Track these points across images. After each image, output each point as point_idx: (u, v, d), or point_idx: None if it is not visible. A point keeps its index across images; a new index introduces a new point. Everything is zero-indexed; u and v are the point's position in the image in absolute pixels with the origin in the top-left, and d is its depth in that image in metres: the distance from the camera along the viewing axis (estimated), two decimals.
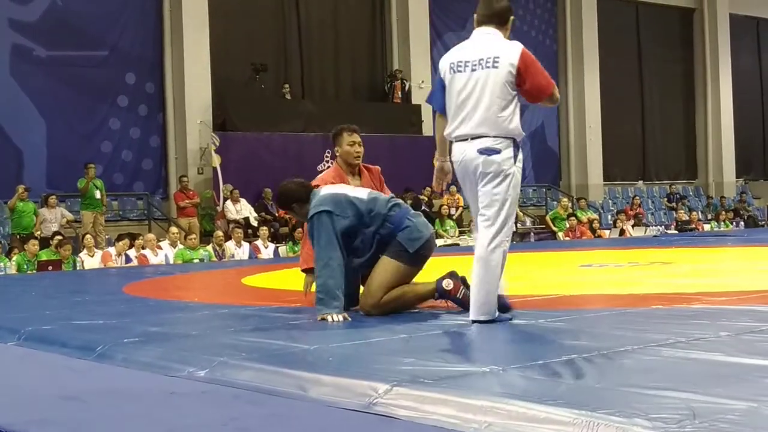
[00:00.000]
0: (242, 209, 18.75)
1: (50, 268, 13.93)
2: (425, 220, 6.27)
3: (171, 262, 15.26)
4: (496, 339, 4.83)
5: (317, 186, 6.35)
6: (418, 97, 23.00)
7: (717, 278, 7.72)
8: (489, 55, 5.19)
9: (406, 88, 22.80)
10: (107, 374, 4.48)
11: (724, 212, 25.62)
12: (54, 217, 16.95)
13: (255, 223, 18.49)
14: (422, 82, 23.20)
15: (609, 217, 24.65)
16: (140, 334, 5.40)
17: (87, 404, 3.79)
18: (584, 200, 23.37)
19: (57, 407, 3.73)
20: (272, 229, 18.06)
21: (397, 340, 4.94)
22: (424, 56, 23.59)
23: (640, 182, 28.21)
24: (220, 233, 16.60)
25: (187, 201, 18.52)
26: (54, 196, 17.23)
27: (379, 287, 5.91)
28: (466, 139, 5.20)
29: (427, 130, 22.34)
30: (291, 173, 21.46)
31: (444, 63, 5.44)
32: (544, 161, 26.55)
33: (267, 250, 16.73)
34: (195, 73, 19.89)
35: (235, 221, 18.17)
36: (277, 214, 19.23)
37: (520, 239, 20.32)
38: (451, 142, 5.34)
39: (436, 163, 5.49)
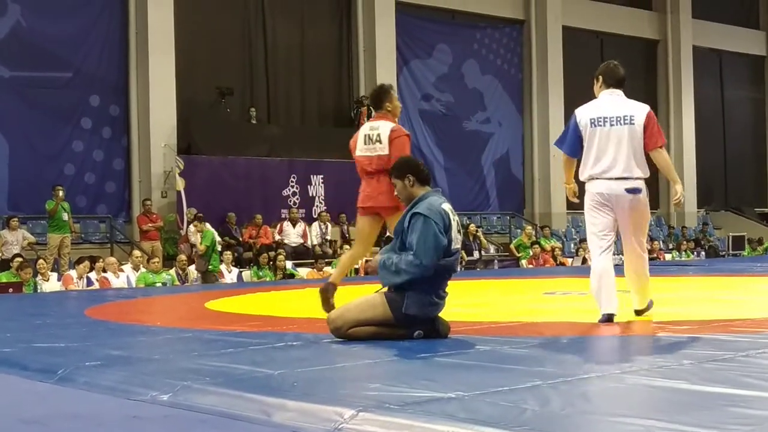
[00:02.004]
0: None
1: (11, 290, 13.77)
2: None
3: (133, 285, 15.14)
4: (461, 365, 4.83)
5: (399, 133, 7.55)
6: None
7: (679, 307, 7.78)
8: (625, 113, 6.57)
9: (373, 114, 22.80)
10: (69, 398, 4.42)
11: (685, 242, 25.86)
12: (15, 240, 16.77)
13: (219, 248, 18.39)
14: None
15: (572, 245, 24.77)
16: (102, 357, 5.35)
17: (48, 428, 3.75)
18: (548, 228, 23.49)
19: (17, 431, 3.68)
20: (236, 254, 17.97)
21: (362, 365, 4.93)
22: (390, 82, 23.50)
23: None
24: (183, 257, 16.50)
25: (151, 224, 18.40)
26: (16, 218, 17.06)
27: (356, 321, 5.86)
28: (611, 179, 6.56)
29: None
30: (255, 197, 21.65)
31: (583, 117, 6.68)
32: (509, 189, 26.68)
33: (230, 275, 16.65)
34: (160, 96, 19.82)
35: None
36: (241, 239, 19.16)
37: (484, 266, 20.37)
38: (590, 178, 6.67)
39: (569, 186, 7.03)
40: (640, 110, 6.60)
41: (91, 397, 4.39)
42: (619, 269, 6.78)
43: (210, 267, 16.57)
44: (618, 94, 6.70)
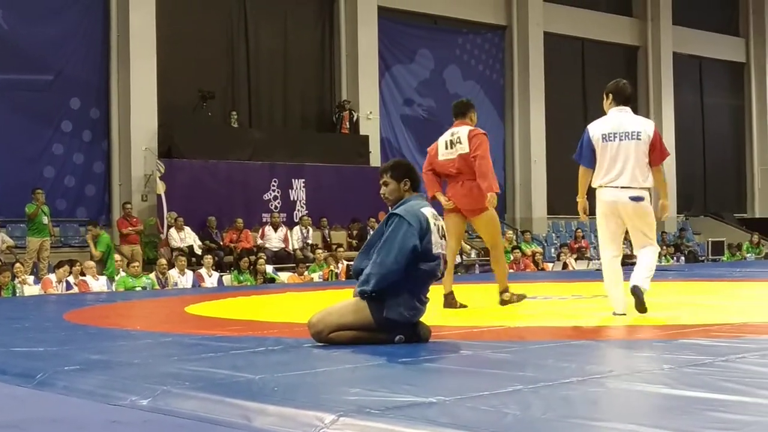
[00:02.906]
0: (186, 237, 18.60)
1: None
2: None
3: (113, 289, 15.07)
4: (443, 370, 4.83)
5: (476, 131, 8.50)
6: (367, 127, 23.09)
7: (658, 312, 7.80)
8: (633, 129, 7.26)
9: (355, 118, 22.86)
10: (48, 402, 4.40)
11: (665, 247, 25.96)
12: None
13: (199, 252, 18.34)
14: (370, 113, 23.29)
15: (552, 250, 24.84)
16: (81, 361, 5.32)
17: None
18: (529, 233, 23.54)
19: None
20: (216, 258, 17.92)
21: (343, 370, 4.92)
22: (372, 87, 23.69)
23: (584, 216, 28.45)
24: (163, 261, 16.44)
25: (131, 228, 18.33)
26: None
27: (336, 325, 5.85)
28: (618, 187, 7.25)
29: (374, 161, 22.42)
30: (236, 201, 21.59)
31: (595, 132, 7.40)
32: None
33: (211, 279, 16.59)
34: (141, 99, 19.76)
35: (179, 249, 18.01)
36: (221, 243, 19.11)
37: (465, 271, 20.39)
38: (600, 186, 7.36)
39: (582, 201, 7.73)
40: (647, 127, 7.35)
41: (70, 401, 4.36)
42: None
43: (106, 272, 16.27)
44: (626, 110, 7.41)
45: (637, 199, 7.27)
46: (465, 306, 8.71)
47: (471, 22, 26.41)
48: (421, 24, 25.64)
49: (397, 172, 6.11)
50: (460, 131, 8.73)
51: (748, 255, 25.99)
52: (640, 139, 7.25)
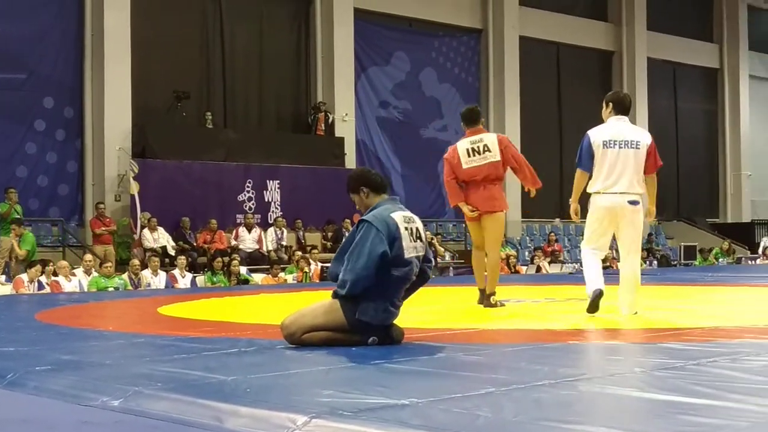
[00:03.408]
0: (160, 238, 18.52)
1: None
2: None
3: (85, 289, 14.98)
4: (415, 372, 4.84)
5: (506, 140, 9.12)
6: (342, 129, 23.07)
7: (631, 315, 7.84)
8: (633, 138, 7.66)
9: (330, 120, 22.84)
10: (18, 402, 4.37)
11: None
12: None
13: (172, 252, 18.27)
14: (346, 114, 23.28)
15: (526, 253, 24.91)
16: (53, 362, 5.29)
17: None
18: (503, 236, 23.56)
19: None
20: (190, 259, 17.85)
21: (316, 371, 4.91)
22: (348, 89, 23.68)
23: (557, 220, 28.59)
24: (136, 261, 16.36)
25: (104, 228, 18.23)
26: None
27: (310, 326, 5.84)
28: (616, 193, 7.59)
29: (349, 162, 22.42)
30: (210, 202, 21.52)
31: (596, 138, 7.67)
32: None
33: (184, 280, 16.52)
34: (115, 98, 19.66)
35: (152, 250, 17.93)
36: (195, 244, 19.04)
37: (440, 273, 20.41)
38: (597, 192, 7.69)
39: (575, 205, 7.95)
40: (645, 137, 7.79)
41: (41, 402, 4.34)
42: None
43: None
44: (625, 120, 7.80)
45: (635, 203, 7.67)
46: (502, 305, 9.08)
47: (447, 25, 26.46)
48: (397, 26, 25.66)
49: (351, 187, 6.12)
50: (485, 139, 9.00)
51: (720, 260, 26.14)
52: (639, 149, 7.65)
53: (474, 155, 8.95)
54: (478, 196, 9.00)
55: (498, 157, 8.95)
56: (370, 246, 5.73)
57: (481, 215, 9.05)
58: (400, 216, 5.92)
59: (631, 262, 7.78)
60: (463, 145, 9.04)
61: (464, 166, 8.98)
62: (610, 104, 7.86)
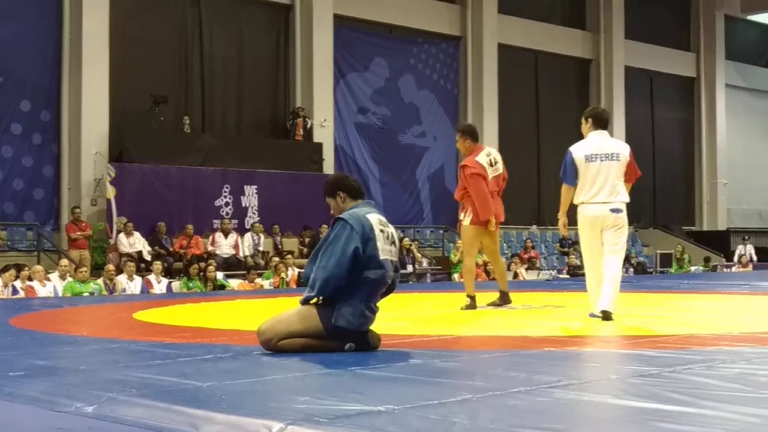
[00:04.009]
0: (136, 242, 18.43)
1: None
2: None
3: (60, 294, 14.89)
4: (392, 378, 4.83)
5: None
6: (320, 135, 23.06)
7: (607, 323, 7.87)
8: (613, 151, 8.16)
9: (309, 125, 22.82)
10: None
11: None
12: None
13: (148, 257, 18.18)
14: (324, 120, 23.27)
15: (503, 260, 24.92)
16: (26, 367, 5.25)
17: None
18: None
19: None
20: (166, 264, 17.77)
21: (292, 378, 4.90)
22: (327, 95, 23.68)
23: (534, 227, 28.67)
24: (111, 266, 16.27)
25: (79, 233, 18.13)
26: None
27: (286, 333, 5.81)
28: (600, 203, 8.05)
29: (327, 168, 22.41)
30: (187, 207, 21.43)
31: (579, 154, 8.16)
32: (443, 203, 26.80)
33: (160, 285, 16.44)
34: (92, 102, 19.57)
35: (128, 255, 17.84)
36: (171, 249, 18.96)
37: (417, 279, 20.42)
38: (582, 202, 8.14)
39: (564, 218, 8.35)
40: (624, 149, 8.26)
41: (15, 407, 4.29)
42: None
43: None
44: (605, 134, 8.27)
45: (617, 210, 8.11)
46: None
47: (426, 32, 26.51)
48: (377, 33, 25.68)
49: (328, 191, 6.12)
50: (493, 152, 9.80)
51: (694, 268, 26.27)
52: (619, 160, 8.14)
53: (489, 167, 9.61)
54: (497, 206, 9.69)
55: (501, 170, 9.74)
56: (343, 244, 5.72)
57: (494, 227, 9.70)
58: (376, 218, 5.92)
59: (613, 263, 8.10)
60: (481, 158, 9.62)
61: (489, 177, 9.59)
62: (590, 120, 8.29)
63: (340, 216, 5.88)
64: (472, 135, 9.79)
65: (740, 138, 35.90)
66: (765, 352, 5.67)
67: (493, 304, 9.79)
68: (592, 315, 8.09)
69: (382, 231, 5.88)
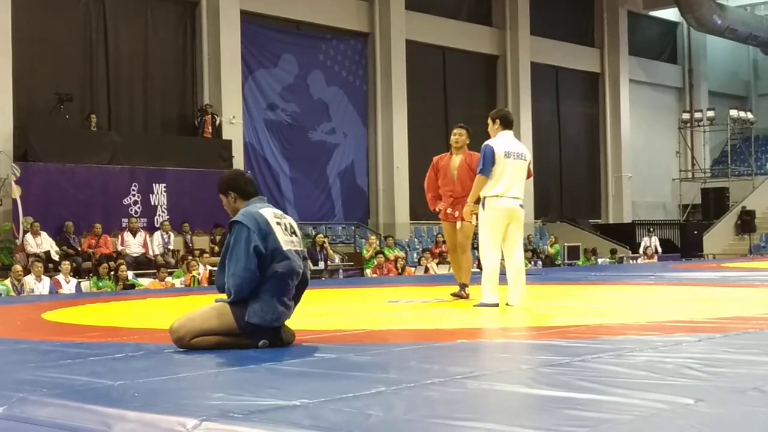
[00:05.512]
0: (43, 242, 18.08)
1: None
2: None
3: None
4: (306, 373, 4.84)
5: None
6: (229, 132, 22.89)
7: (517, 314, 7.98)
8: (521, 151, 8.79)
9: (217, 123, 22.64)
10: None
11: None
12: None
13: (56, 257, 17.85)
14: (233, 117, 23.11)
15: (415, 255, 25.10)
16: None
17: None
18: (391, 238, 23.73)
19: None
20: (74, 264, 17.47)
21: (205, 375, 4.88)
22: (235, 92, 23.51)
23: None
24: (18, 267, 15.94)
25: None
26: None
27: (199, 330, 5.77)
28: (511, 198, 8.60)
29: (237, 165, 22.25)
30: (95, 206, 21.05)
31: (499, 149, 8.60)
32: (354, 199, 26.88)
33: (69, 285, 16.17)
34: None
35: (36, 255, 17.49)
36: (79, 248, 18.64)
37: (329, 275, 20.43)
38: (496, 195, 8.60)
39: (473, 206, 8.94)
40: (527, 152, 8.95)
41: None
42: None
43: None
44: (512, 135, 8.85)
45: (522, 206, 8.79)
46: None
47: (334, 28, 26.50)
48: (285, 29, 25.60)
49: (221, 188, 6.10)
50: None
51: (601, 260, 26.77)
52: (525, 161, 8.81)
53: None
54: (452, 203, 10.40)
55: None
56: (245, 246, 5.71)
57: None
58: (270, 212, 5.91)
59: (519, 256, 8.73)
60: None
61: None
62: (498, 121, 8.84)
63: (235, 219, 5.86)
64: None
65: (643, 132, 36.72)
66: (671, 340, 5.82)
67: (456, 295, 10.05)
68: (487, 304, 8.54)
69: (278, 223, 5.87)
